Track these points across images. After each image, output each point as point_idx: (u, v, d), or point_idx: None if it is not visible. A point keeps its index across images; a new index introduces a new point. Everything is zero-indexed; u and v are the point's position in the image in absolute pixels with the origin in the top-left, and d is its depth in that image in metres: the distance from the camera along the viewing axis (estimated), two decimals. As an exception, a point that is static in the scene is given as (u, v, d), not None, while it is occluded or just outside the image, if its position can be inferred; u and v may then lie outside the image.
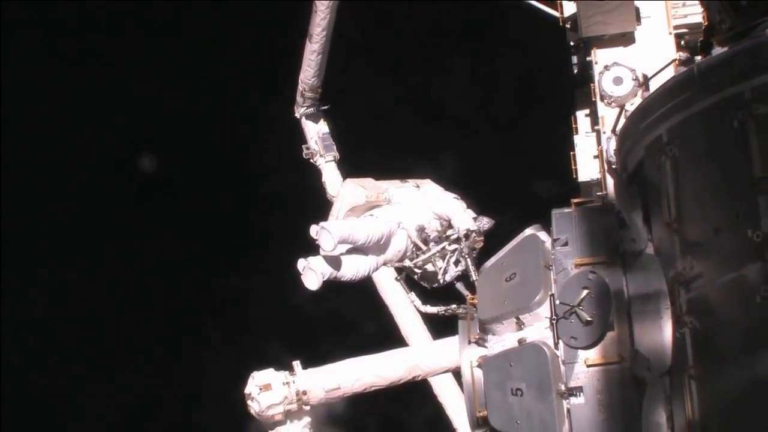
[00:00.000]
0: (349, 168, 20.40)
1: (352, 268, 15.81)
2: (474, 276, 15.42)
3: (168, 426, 34.09)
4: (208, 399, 31.55)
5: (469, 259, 15.54)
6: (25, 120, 35.29)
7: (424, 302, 15.89)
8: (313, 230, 16.21)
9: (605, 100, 15.20)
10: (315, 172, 17.16)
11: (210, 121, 35.06)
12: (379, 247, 15.62)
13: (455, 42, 30.66)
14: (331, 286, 16.38)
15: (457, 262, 15.75)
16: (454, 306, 15.48)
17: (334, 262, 15.95)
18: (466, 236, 15.70)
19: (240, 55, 33.18)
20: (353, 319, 21.92)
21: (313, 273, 16.12)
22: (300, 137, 17.20)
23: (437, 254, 15.68)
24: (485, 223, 15.86)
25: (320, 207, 19.67)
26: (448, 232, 15.89)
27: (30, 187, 35.52)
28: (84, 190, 36.01)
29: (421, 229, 15.67)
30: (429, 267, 15.70)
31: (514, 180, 24.68)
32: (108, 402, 34.11)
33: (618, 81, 15.10)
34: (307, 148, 17.05)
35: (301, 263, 16.30)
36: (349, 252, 15.84)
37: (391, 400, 20.87)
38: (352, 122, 26.62)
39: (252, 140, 32.65)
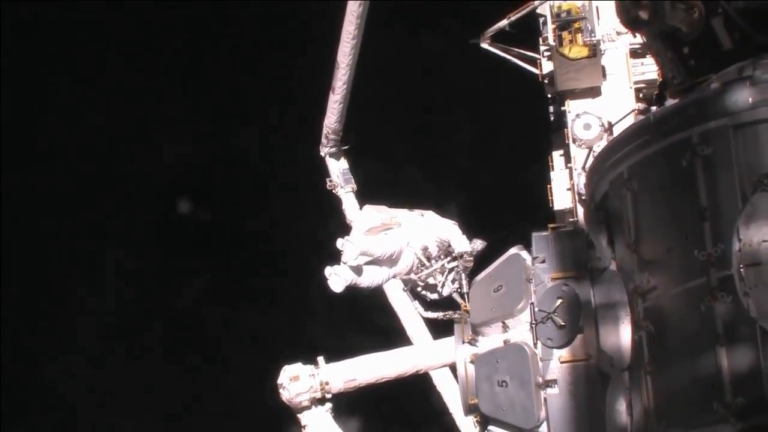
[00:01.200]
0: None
1: (369, 277, 16.09)
2: (466, 288, 15.50)
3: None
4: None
5: (463, 274, 15.66)
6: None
7: (426, 309, 16.08)
8: (339, 243, 16.54)
9: (576, 143, 15.28)
10: (336, 201, 17.17)
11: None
12: (391, 261, 15.79)
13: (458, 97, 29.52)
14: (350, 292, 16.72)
15: (453, 278, 15.86)
16: (450, 312, 15.65)
17: (356, 270, 16.30)
18: (461, 256, 15.83)
19: (270, 103, 31.94)
20: (367, 322, 21.88)
21: (338, 278, 16.54)
22: (324, 172, 17.23)
23: (438, 270, 15.76)
24: (478, 244, 16.04)
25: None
26: (448, 251, 16.03)
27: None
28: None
29: (425, 249, 15.74)
30: (430, 280, 15.82)
31: (501, 208, 24.57)
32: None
33: (587, 126, 15.14)
34: (330, 181, 17.25)
35: (328, 270, 16.73)
36: (366, 264, 16.17)
37: (399, 390, 20.97)
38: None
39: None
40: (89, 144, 36.28)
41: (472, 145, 28.06)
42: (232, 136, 33.89)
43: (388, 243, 15.85)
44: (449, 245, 15.84)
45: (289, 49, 30.36)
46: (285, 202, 30.74)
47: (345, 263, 16.38)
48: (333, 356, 15.55)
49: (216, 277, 33.75)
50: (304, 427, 15.93)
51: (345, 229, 17.28)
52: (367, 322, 20.29)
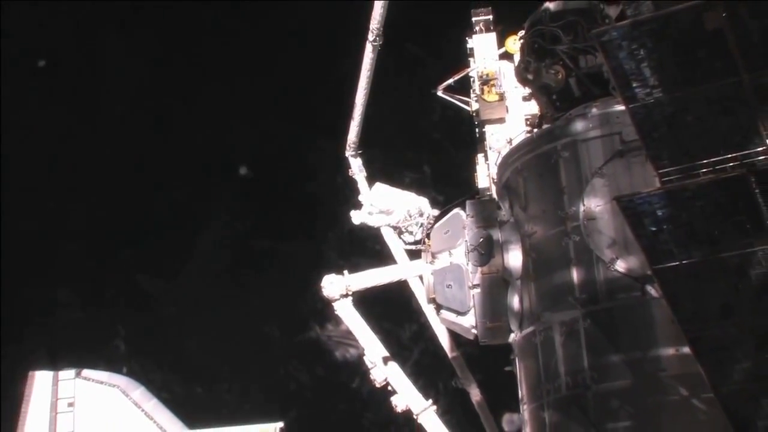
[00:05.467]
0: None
1: (375, 220, 15.76)
2: (428, 234, 15.44)
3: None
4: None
5: (426, 226, 15.55)
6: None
7: (405, 243, 15.96)
8: (362, 197, 16.18)
9: (491, 149, 15.04)
10: (353, 183, 16.59)
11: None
12: (388, 214, 15.67)
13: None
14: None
15: (422, 228, 15.57)
16: (420, 245, 15.60)
17: (366, 215, 15.94)
18: (428, 217, 15.67)
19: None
20: (369, 249, 20.72)
21: (357, 216, 15.99)
22: (347, 165, 16.76)
23: (414, 223, 15.50)
24: (435, 211, 15.88)
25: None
26: (421, 213, 15.82)
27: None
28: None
29: (409, 211, 15.50)
30: (410, 228, 15.53)
31: (451, 188, 23.69)
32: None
33: (497, 140, 15.22)
34: (351, 171, 16.90)
35: (353, 213, 16.07)
36: (375, 213, 15.87)
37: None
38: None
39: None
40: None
41: (432, 152, 26.11)
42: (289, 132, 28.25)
43: (387, 203, 15.74)
44: (421, 210, 15.52)
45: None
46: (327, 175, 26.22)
47: (362, 210, 16.05)
48: (351, 270, 15.25)
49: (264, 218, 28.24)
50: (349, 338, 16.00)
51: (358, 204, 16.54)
52: (369, 249, 19.46)
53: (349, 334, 15.54)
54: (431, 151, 25.08)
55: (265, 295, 26.33)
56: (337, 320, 15.47)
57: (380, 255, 16.62)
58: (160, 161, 27.32)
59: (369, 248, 19.16)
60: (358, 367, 23.31)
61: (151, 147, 27.26)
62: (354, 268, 15.27)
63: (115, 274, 26.62)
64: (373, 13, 14.18)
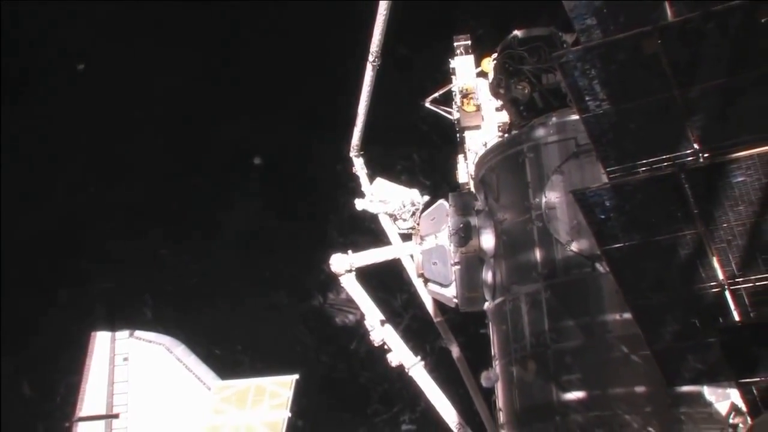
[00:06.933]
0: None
1: (374, 207, 15.56)
2: (418, 221, 15.31)
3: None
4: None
5: (417, 214, 15.42)
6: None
7: (399, 228, 15.81)
8: (371, 186, 15.87)
9: (470, 151, 14.91)
10: (356, 179, 16.26)
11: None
12: (385, 203, 15.46)
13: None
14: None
15: (413, 216, 15.39)
16: (411, 229, 15.48)
17: (369, 203, 15.67)
18: (418, 206, 15.49)
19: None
20: (368, 230, 19.11)
21: (360, 203, 15.71)
22: (350, 163, 16.41)
23: (406, 211, 15.30)
24: (424, 197, 15.74)
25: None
26: (413, 203, 15.64)
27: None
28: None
29: (403, 201, 15.33)
30: (403, 215, 15.34)
31: (435, 177, 23.12)
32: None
33: (475, 144, 15.12)
34: (353, 168, 16.59)
35: (357, 200, 15.83)
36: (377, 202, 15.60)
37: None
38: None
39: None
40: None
41: (420, 142, 24.37)
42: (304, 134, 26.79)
43: (385, 195, 15.54)
44: (413, 201, 15.31)
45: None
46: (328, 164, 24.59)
47: (364, 199, 15.82)
48: (349, 245, 15.00)
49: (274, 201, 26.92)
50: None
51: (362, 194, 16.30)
52: (368, 230, 18.53)
53: (348, 302, 15.41)
54: (419, 141, 24.28)
55: (275, 269, 26.00)
56: (338, 290, 15.35)
57: (373, 232, 16.37)
58: (188, 153, 26.86)
59: (365, 227, 18.61)
60: (356, 331, 23.31)
61: (181, 141, 26.78)
62: (352, 245, 15.10)
63: (145, 250, 26.19)
64: (372, 38, 14.11)
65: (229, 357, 23.87)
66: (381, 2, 13.58)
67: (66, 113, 26.33)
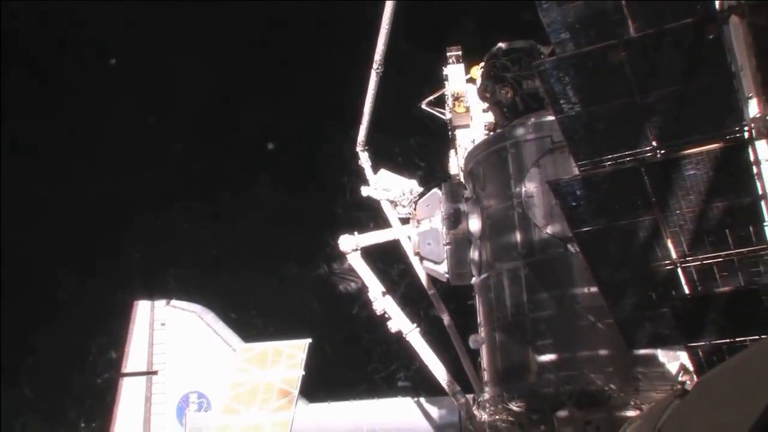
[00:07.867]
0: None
1: (377, 195, 15.50)
2: (415, 206, 15.25)
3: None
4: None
5: (414, 202, 15.36)
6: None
7: (400, 214, 15.62)
8: (364, 190, 15.79)
9: (460, 146, 14.65)
10: (361, 170, 15.96)
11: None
12: (387, 191, 15.37)
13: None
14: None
15: (411, 203, 15.30)
16: (409, 214, 15.46)
17: (372, 191, 15.50)
18: (416, 194, 15.34)
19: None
20: (369, 216, 19.68)
21: (366, 190, 15.54)
22: (356, 157, 16.17)
23: (405, 198, 15.22)
24: (421, 189, 15.67)
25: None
26: (411, 192, 15.50)
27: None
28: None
29: (403, 189, 15.24)
30: (403, 202, 15.26)
31: (429, 159, 22.84)
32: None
33: (465, 141, 14.96)
34: (359, 161, 16.47)
35: (363, 187, 15.57)
36: (381, 190, 15.53)
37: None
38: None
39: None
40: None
41: (415, 128, 23.14)
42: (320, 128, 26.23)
43: (388, 183, 15.42)
44: (412, 190, 15.19)
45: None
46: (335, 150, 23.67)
47: (369, 187, 15.69)
48: (351, 223, 14.81)
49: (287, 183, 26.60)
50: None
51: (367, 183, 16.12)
52: (366, 206, 18.03)
53: (350, 272, 15.21)
54: (415, 127, 23.70)
55: (286, 242, 25.77)
56: (341, 260, 15.10)
57: (373, 209, 16.16)
58: (215, 140, 26.60)
59: (365, 206, 18.32)
60: (358, 298, 23.13)
61: (206, 128, 26.58)
62: (355, 222, 14.93)
63: (174, 225, 26.13)
64: (376, 48, 14.09)
65: (243, 322, 23.68)
66: (384, 18, 13.56)
67: (101, 103, 26.22)
